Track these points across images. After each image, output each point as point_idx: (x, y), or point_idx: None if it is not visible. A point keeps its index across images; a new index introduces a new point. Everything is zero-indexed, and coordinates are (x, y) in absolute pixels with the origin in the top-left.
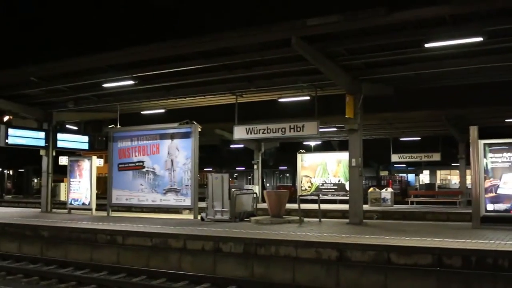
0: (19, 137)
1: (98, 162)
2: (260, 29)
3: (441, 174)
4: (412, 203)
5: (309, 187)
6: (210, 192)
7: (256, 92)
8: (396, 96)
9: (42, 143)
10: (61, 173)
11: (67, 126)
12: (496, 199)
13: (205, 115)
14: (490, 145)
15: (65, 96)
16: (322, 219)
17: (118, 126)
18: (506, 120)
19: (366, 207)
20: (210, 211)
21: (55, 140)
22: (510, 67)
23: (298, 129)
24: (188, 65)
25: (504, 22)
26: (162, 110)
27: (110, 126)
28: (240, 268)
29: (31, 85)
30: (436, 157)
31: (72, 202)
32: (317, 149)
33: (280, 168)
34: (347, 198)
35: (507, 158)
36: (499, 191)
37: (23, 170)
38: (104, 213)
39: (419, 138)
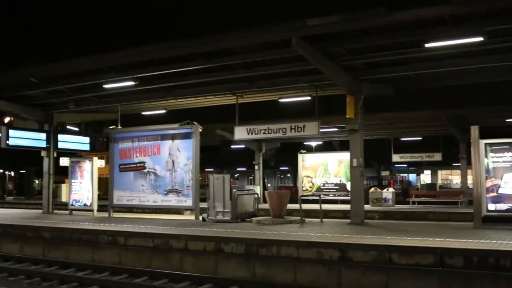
0: (20, 138)
1: (99, 163)
2: (260, 29)
3: (442, 174)
4: (413, 203)
5: (310, 187)
6: (211, 192)
7: (256, 92)
8: (397, 96)
9: (43, 144)
10: (63, 174)
11: (68, 127)
12: (497, 199)
13: (206, 116)
14: (491, 144)
15: (65, 97)
16: (324, 219)
17: (119, 127)
18: (507, 120)
19: (367, 207)
20: (211, 212)
21: (56, 141)
22: (510, 66)
23: (299, 129)
24: (188, 65)
25: (504, 22)
26: (163, 111)
27: (111, 127)
28: (242, 269)
29: (32, 86)
30: (437, 157)
31: (74, 203)
32: (318, 149)
33: (281, 168)
34: (348, 198)
35: (508, 158)
36: (501, 190)
37: (24, 171)
38: (105, 214)
39: (420, 138)
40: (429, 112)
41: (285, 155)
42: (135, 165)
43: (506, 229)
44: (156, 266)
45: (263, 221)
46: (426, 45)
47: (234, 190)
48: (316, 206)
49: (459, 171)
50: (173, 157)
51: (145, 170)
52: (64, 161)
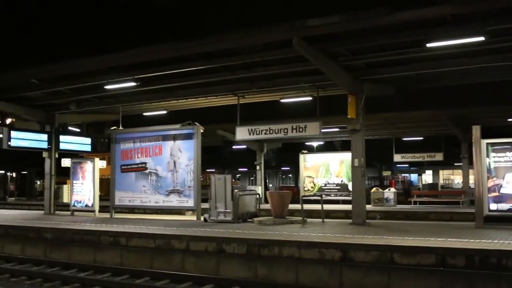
0: (21, 139)
1: (100, 163)
2: (261, 30)
3: (443, 174)
4: (415, 203)
5: (312, 187)
6: (213, 193)
7: (258, 93)
8: (397, 96)
9: (44, 145)
10: (64, 175)
11: (70, 128)
12: (499, 199)
13: (207, 116)
14: (493, 144)
15: (67, 98)
16: (325, 220)
17: (120, 128)
18: (509, 120)
19: (369, 207)
20: (213, 212)
21: (57, 142)
22: (511, 66)
23: (301, 129)
24: (189, 66)
25: (506, 21)
26: (164, 112)
27: (112, 128)
28: (244, 269)
29: (33, 87)
30: (439, 157)
31: (75, 204)
32: (320, 149)
33: (282, 168)
34: (350, 198)
35: (510, 158)
36: (502, 190)
37: (26, 172)
38: (107, 215)
39: (422, 138)
40: (430, 112)
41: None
42: (136, 166)
43: (508, 228)
44: (158, 267)
45: (265, 222)
46: (427, 45)
47: (236, 190)
48: (317, 207)
49: (460, 171)
50: (175, 157)
51: (147, 171)
52: (66, 162)
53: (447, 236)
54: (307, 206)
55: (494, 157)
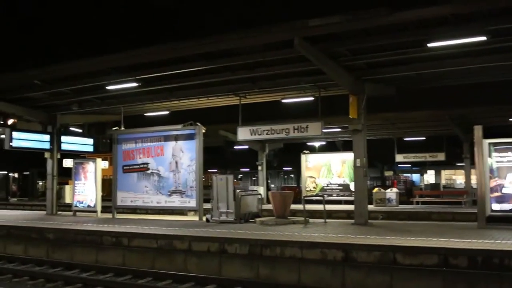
0: (23, 140)
1: (102, 164)
2: (261, 30)
3: (446, 174)
4: (417, 203)
5: (314, 187)
6: (215, 193)
7: (259, 93)
8: (398, 96)
9: (46, 145)
10: (66, 176)
11: (71, 128)
12: (501, 199)
13: (209, 117)
14: (495, 144)
15: (68, 99)
16: (327, 220)
17: (122, 128)
18: (510, 119)
19: (371, 207)
20: (215, 213)
21: (59, 142)
22: None
23: (302, 129)
24: (189, 67)
25: (507, 21)
26: (166, 112)
27: (114, 128)
28: (246, 269)
29: (35, 88)
30: (441, 157)
31: (77, 205)
32: (321, 149)
33: (284, 169)
34: (352, 198)
35: None
36: (505, 190)
37: (28, 173)
38: (109, 215)
39: (424, 138)
40: (431, 112)
41: (288, 156)
42: (138, 166)
43: (510, 229)
44: (160, 267)
45: (267, 222)
46: (428, 45)
47: (238, 190)
48: (319, 207)
49: (462, 171)
50: (177, 158)
51: (149, 171)
52: (68, 163)
53: (450, 236)
54: (309, 207)
55: (496, 157)
